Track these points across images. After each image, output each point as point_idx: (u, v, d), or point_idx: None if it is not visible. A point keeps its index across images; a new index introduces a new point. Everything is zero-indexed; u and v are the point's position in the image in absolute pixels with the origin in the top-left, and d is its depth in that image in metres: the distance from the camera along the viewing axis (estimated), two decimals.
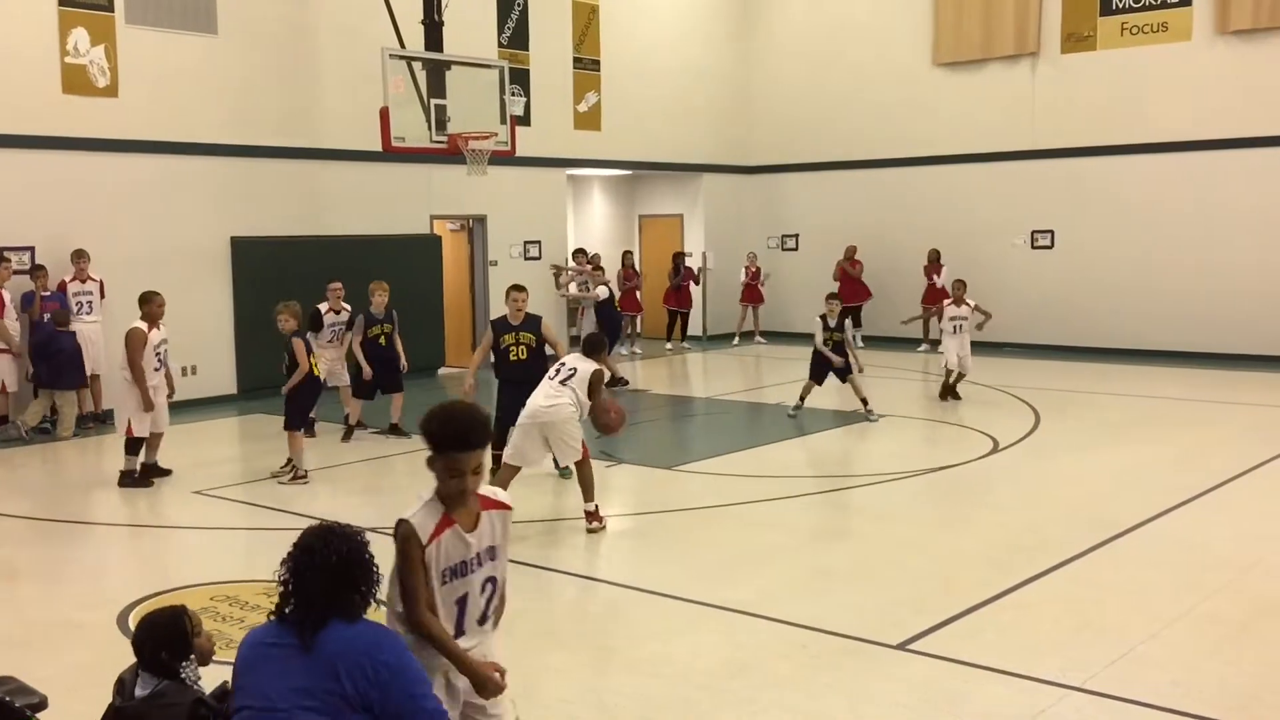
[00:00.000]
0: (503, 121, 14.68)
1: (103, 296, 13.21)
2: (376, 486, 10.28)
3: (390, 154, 14.12)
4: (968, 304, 13.98)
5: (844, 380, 12.99)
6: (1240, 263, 17.29)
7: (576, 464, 8.49)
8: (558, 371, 8.52)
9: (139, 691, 3.61)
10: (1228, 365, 16.72)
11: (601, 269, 18.13)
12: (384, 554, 3.36)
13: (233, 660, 3.26)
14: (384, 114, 13.34)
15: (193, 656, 3.70)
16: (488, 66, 15.06)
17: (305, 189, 15.69)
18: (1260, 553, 7.59)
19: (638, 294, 20.26)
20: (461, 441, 3.53)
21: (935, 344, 19.18)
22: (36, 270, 12.82)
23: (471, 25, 16.76)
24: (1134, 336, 18.18)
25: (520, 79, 17.79)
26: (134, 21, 13.79)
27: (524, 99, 18.02)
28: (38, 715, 3.86)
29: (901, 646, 5.95)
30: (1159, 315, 18.04)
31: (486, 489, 3.68)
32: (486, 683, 3.52)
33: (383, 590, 3.35)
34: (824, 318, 13.17)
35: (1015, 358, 17.86)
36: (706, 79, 21.62)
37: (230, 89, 14.71)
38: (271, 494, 9.78)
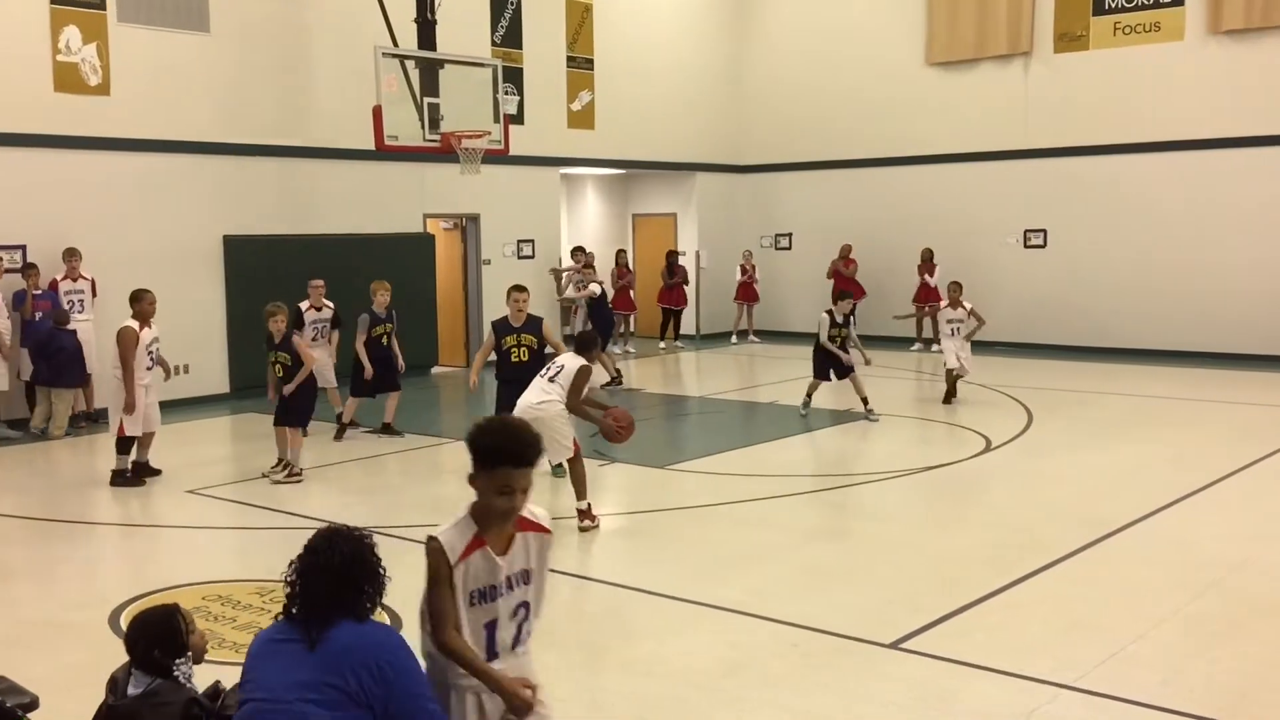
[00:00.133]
0: (496, 120, 14.68)
1: (94, 295, 13.19)
2: (369, 486, 10.26)
3: (383, 153, 14.12)
4: (964, 306, 13.94)
5: (843, 378, 12.97)
6: (1232, 262, 17.35)
7: (569, 462, 8.51)
8: (548, 370, 8.56)
9: (132, 690, 3.61)
10: (1219, 364, 16.77)
11: (592, 267, 18.15)
12: (386, 555, 3.40)
13: (225, 660, 3.28)
14: (377, 112, 13.33)
15: (189, 654, 3.71)
16: (481, 65, 15.06)
17: (298, 188, 15.66)
18: (1250, 552, 7.62)
19: (631, 293, 20.27)
20: (517, 457, 3.34)
21: (928, 343, 19.27)
22: (28, 269, 12.79)
23: (465, 24, 16.76)
24: (1126, 336, 18.23)
25: (514, 78, 17.78)
26: (126, 19, 13.76)
27: (517, 98, 18.02)
28: (29, 715, 3.86)
29: (894, 645, 5.96)
30: (1151, 314, 18.09)
31: (527, 510, 3.49)
32: (514, 699, 3.35)
33: (390, 592, 3.39)
34: (831, 313, 13.13)
35: (1007, 357, 17.89)
36: (700, 78, 21.63)
37: (222, 87, 14.69)
38: (264, 493, 9.76)
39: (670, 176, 21.92)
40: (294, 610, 3.22)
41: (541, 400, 8.31)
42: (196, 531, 8.86)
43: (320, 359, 12.11)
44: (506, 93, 16.13)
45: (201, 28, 14.48)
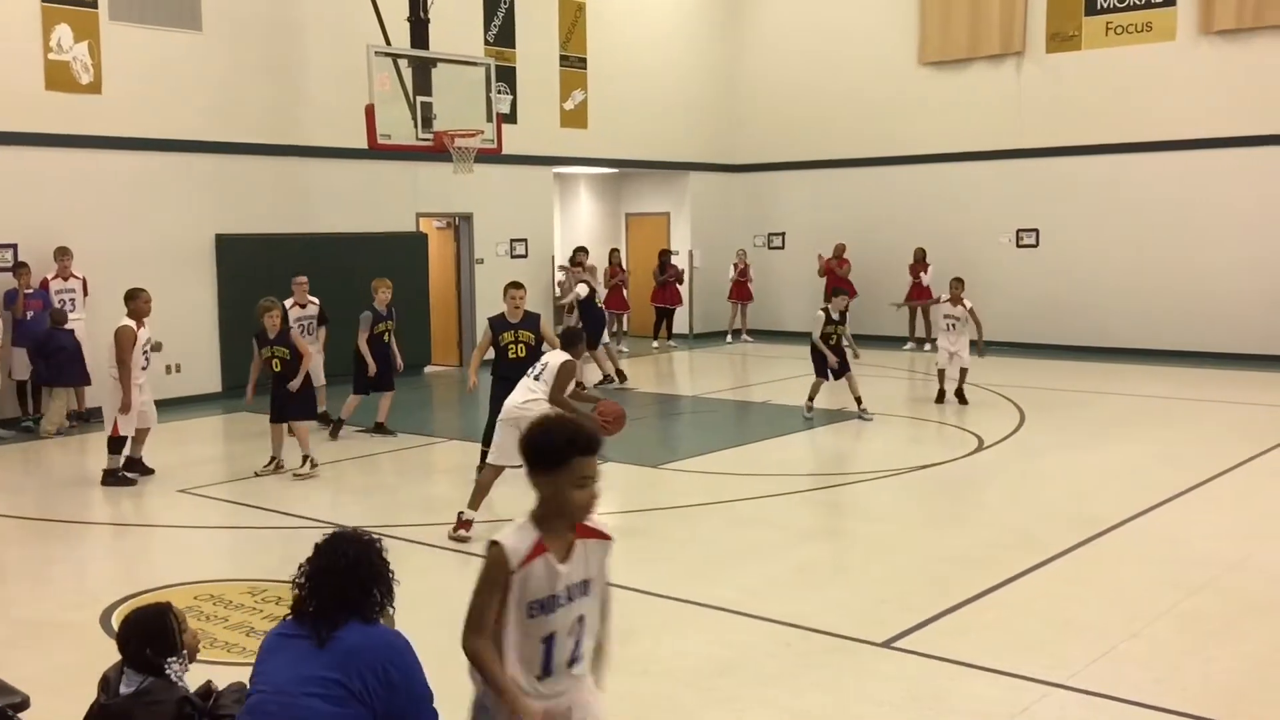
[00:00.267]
0: (489, 119, 14.67)
1: (85, 294, 13.15)
2: (362, 486, 10.23)
3: (376, 151, 14.10)
4: (964, 304, 13.89)
5: (840, 377, 12.94)
6: (1225, 261, 17.38)
7: None
8: (534, 368, 8.57)
9: (124, 689, 3.60)
10: (1212, 363, 16.81)
11: (580, 265, 18.12)
12: (390, 556, 3.44)
13: (218, 660, 3.29)
14: (369, 111, 13.32)
15: (184, 653, 3.70)
16: (474, 64, 15.05)
17: (290, 186, 15.63)
18: (1243, 550, 7.63)
19: (624, 292, 20.25)
20: (588, 445, 3.21)
21: (920, 342, 19.30)
22: (19, 268, 12.75)
23: (458, 22, 16.74)
24: (1119, 335, 18.27)
25: (506, 76, 17.76)
26: (118, 18, 13.72)
27: (510, 96, 18.01)
28: (20, 715, 3.84)
29: (887, 644, 5.97)
30: (1144, 314, 18.13)
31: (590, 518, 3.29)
32: None
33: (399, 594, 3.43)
34: (826, 310, 13.10)
35: (1000, 356, 17.91)
36: (693, 77, 21.63)
37: (214, 85, 14.65)
38: (256, 493, 9.74)
39: (663, 175, 21.92)
40: (306, 609, 3.29)
41: (527, 399, 8.30)
42: (188, 531, 8.83)
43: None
44: (499, 91, 16.12)
45: (193, 26, 14.44)
